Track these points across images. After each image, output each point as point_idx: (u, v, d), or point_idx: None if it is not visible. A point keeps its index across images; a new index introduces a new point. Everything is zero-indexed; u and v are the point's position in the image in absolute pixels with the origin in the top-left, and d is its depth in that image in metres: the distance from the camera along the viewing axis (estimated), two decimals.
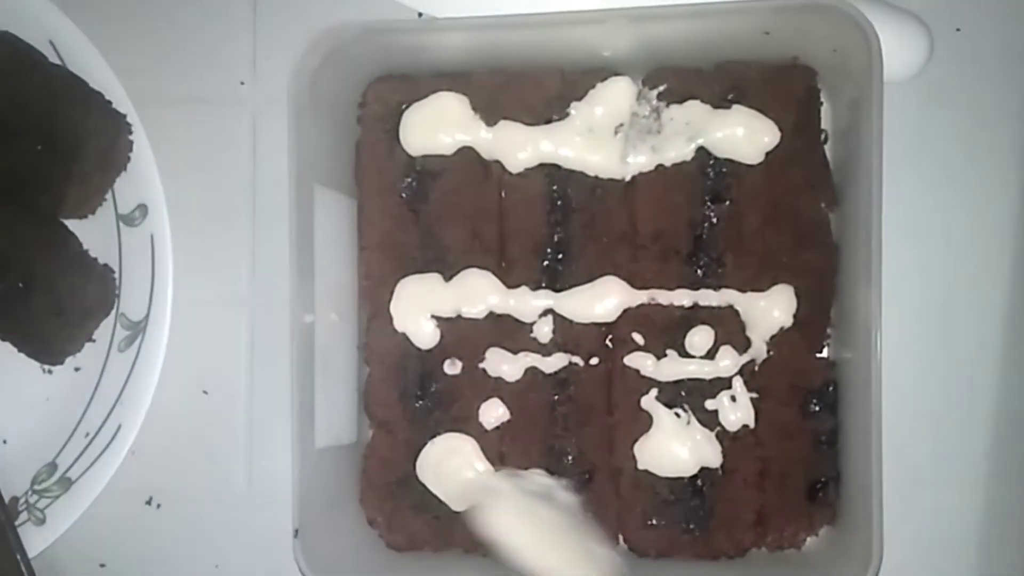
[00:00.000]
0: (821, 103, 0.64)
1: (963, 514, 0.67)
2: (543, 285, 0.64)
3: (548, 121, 0.64)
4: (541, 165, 0.64)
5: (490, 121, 0.64)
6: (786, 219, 0.63)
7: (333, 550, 0.62)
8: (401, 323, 0.65)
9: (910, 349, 0.66)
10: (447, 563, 0.66)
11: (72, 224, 0.72)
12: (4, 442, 0.73)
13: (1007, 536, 0.67)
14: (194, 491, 0.73)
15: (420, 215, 0.65)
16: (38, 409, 0.73)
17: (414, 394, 0.65)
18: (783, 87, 0.63)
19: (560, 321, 0.64)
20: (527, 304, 0.64)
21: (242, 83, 0.73)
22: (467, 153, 0.65)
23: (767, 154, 0.62)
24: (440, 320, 0.65)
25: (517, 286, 0.64)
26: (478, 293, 0.64)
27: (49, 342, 0.71)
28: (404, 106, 0.65)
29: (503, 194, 0.65)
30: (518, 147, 0.64)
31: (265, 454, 0.72)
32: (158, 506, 0.73)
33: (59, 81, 0.70)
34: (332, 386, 0.64)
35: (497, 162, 0.64)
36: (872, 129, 0.57)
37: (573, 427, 0.64)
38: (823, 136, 0.64)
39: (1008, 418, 0.66)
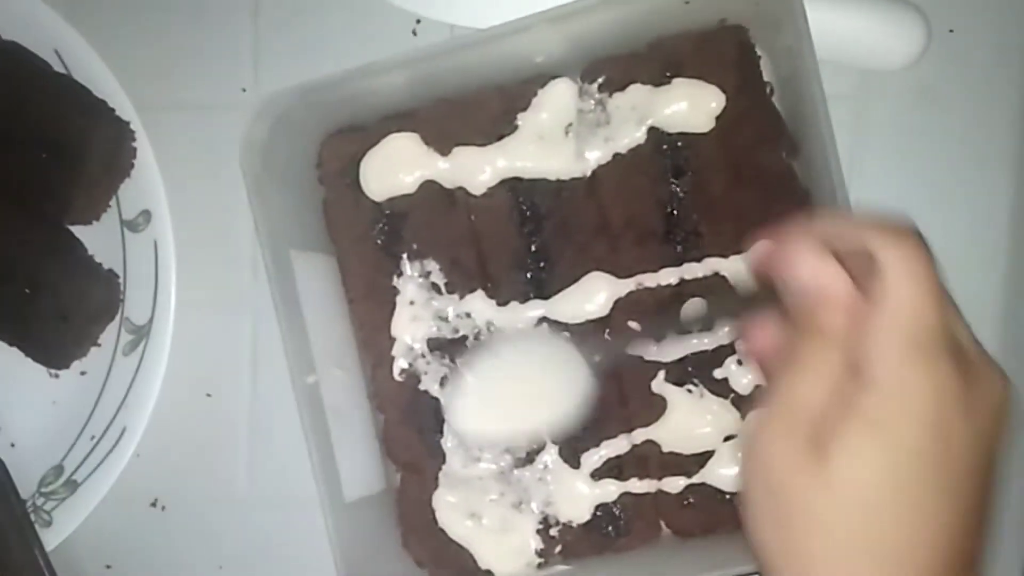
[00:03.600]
0: (759, 56, 0.64)
1: None
2: (531, 296, 0.65)
3: (500, 138, 0.65)
4: (503, 181, 0.65)
5: (444, 151, 0.65)
6: (750, 177, 0.63)
7: None
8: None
9: None
10: None
11: (77, 230, 0.74)
12: (12, 445, 0.75)
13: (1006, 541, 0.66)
14: (198, 493, 0.74)
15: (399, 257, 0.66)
16: (45, 413, 0.75)
17: (432, 429, 0.66)
18: (717, 50, 0.63)
19: (556, 326, 0.64)
20: (520, 317, 0.65)
21: (243, 90, 0.74)
22: (429, 186, 0.66)
23: (717, 119, 0.62)
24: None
25: (506, 303, 0.65)
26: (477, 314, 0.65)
27: (55, 346, 0.73)
28: (359, 156, 0.66)
29: (472, 218, 0.65)
30: (476, 170, 0.65)
31: (268, 457, 0.73)
32: (163, 508, 0.75)
33: (64, 90, 0.72)
34: (350, 439, 0.65)
35: (460, 188, 0.65)
36: (808, 69, 0.57)
37: (592, 427, 0.64)
38: (768, 89, 0.64)
39: None
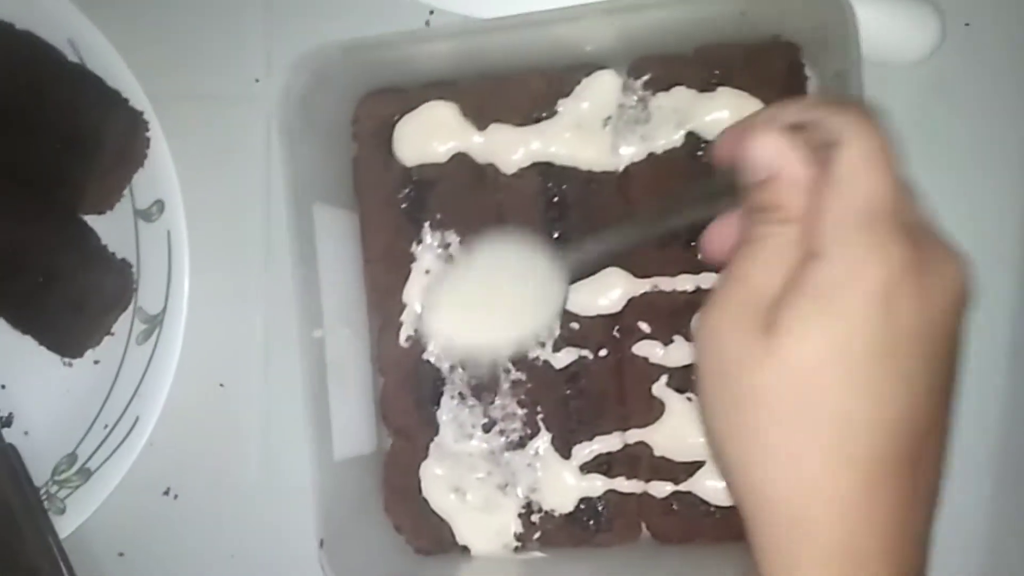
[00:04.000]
0: (807, 78, 0.64)
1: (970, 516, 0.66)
2: None
3: (537, 120, 0.65)
4: (534, 164, 0.65)
5: (481, 126, 0.65)
6: None
7: (360, 558, 0.63)
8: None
9: None
10: (477, 565, 0.66)
11: (91, 219, 0.74)
12: (25, 433, 0.76)
13: (1014, 540, 0.66)
14: (211, 482, 0.75)
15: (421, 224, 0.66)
16: (58, 401, 0.75)
17: (429, 400, 0.66)
18: (766, 65, 0.63)
19: (567, 316, 0.65)
20: None
21: (256, 80, 0.74)
22: (461, 159, 0.65)
23: None
24: None
25: None
26: None
27: (69, 335, 0.73)
28: (396, 118, 0.66)
29: (499, 196, 0.65)
30: (510, 149, 0.65)
31: (280, 446, 0.74)
32: (175, 497, 0.75)
33: (78, 80, 0.72)
34: (348, 398, 0.65)
35: (491, 165, 0.65)
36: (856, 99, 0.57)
37: (588, 420, 0.65)
38: None
39: (1016, 415, 0.65)
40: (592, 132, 0.64)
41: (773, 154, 0.42)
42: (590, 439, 0.65)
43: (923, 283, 0.39)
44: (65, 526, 0.73)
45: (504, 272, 0.58)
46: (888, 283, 0.38)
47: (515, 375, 0.65)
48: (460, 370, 0.66)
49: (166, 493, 0.75)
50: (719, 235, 0.48)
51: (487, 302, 0.58)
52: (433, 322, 0.59)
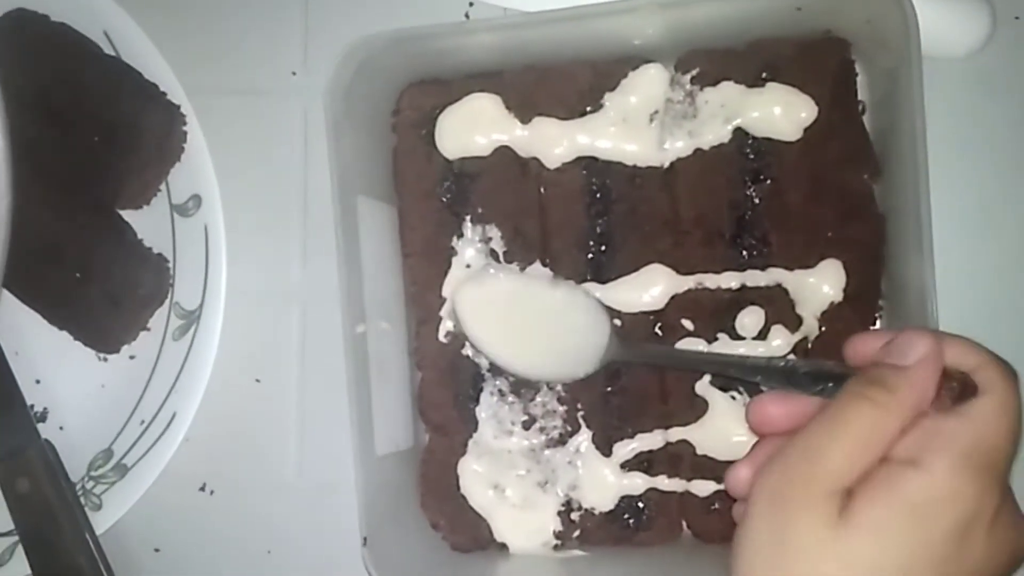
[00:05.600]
0: (856, 74, 0.63)
1: None
2: (588, 278, 0.64)
3: (582, 114, 0.64)
4: (579, 158, 0.64)
5: (524, 119, 0.64)
6: (829, 193, 0.62)
7: (400, 556, 0.63)
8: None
9: (965, 321, 0.64)
10: (515, 562, 0.66)
11: (127, 214, 0.73)
12: (61, 428, 0.75)
13: None
14: (247, 478, 0.74)
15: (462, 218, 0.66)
16: (94, 396, 0.74)
17: (468, 396, 0.66)
18: (817, 61, 0.62)
19: (610, 312, 0.64)
20: None
21: (294, 74, 0.73)
22: (504, 152, 0.65)
23: (805, 130, 0.62)
24: None
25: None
26: None
27: (105, 331, 0.73)
28: (438, 110, 0.65)
29: (542, 190, 0.65)
30: (554, 142, 0.64)
31: (317, 442, 0.73)
32: (211, 492, 0.74)
33: (115, 72, 0.71)
34: (387, 393, 0.65)
35: (534, 159, 0.65)
36: (913, 97, 0.56)
37: (629, 417, 0.64)
38: (861, 107, 0.63)
39: None
40: (638, 127, 0.63)
41: (927, 359, 0.44)
42: (631, 437, 0.64)
43: (996, 534, 0.42)
44: (101, 522, 0.73)
45: (552, 312, 0.62)
46: (975, 519, 0.41)
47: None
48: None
49: (202, 489, 0.74)
50: (775, 407, 0.50)
51: (531, 332, 0.62)
52: (466, 312, 0.61)
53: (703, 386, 0.63)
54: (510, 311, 0.63)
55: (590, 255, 0.64)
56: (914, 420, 0.43)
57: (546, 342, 0.63)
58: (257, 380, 0.74)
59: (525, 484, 0.65)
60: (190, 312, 0.72)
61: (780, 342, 0.62)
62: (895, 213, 0.61)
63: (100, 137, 0.69)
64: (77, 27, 0.71)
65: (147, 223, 0.73)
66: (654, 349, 0.63)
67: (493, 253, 0.65)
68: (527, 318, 0.63)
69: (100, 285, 0.70)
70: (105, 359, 0.74)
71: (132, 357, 0.74)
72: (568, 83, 0.64)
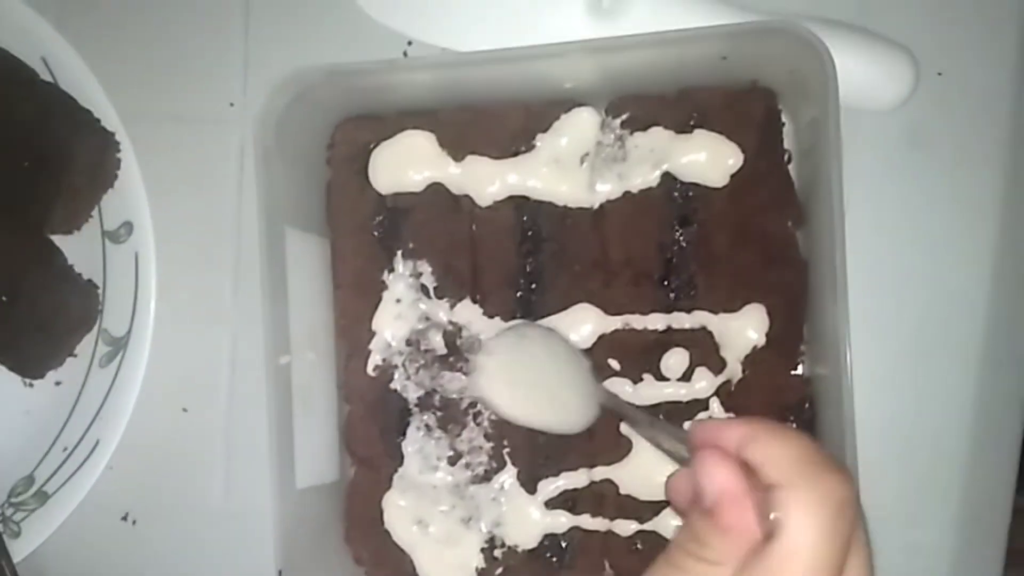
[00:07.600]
0: (783, 123, 0.65)
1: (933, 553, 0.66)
2: (518, 315, 0.65)
3: (515, 154, 0.65)
4: (510, 197, 0.65)
5: (458, 157, 0.65)
6: (754, 239, 0.63)
7: None
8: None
9: (884, 367, 0.66)
10: None
11: (58, 239, 0.73)
12: None
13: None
14: (170, 508, 0.73)
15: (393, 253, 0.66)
16: (17, 422, 0.74)
17: (395, 430, 0.66)
18: (744, 110, 0.63)
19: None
20: None
21: (231, 104, 0.73)
22: (437, 189, 0.65)
23: (732, 176, 0.63)
24: None
25: (492, 317, 0.65)
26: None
27: (31, 356, 0.72)
28: (372, 145, 0.66)
29: (474, 227, 0.65)
30: (486, 181, 0.65)
31: (243, 473, 0.72)
32: (133, 522, 0.73)
33: (50, 98, 0.71)
34: (312, 426, 0.65)
35: (467, 196, 0.65)
36: (830, 147, 0.57)
37: (555, 455, 0.64)
38: (786, 156, 0.65)
39: (982, 440, 0.66)
40: (569, 168, 0.64)
41: (723, 493, 0.41)
42: (556, 475, 0.64)
43: None
44: (20, 550, 0.71)
45: (548, 357, 0.62)
46: None
47: (483, 408, 0.65)
48: (427, 401, 0.65)
49: (124, 518, 0.73)
50: (681, 486, 0.47)
51: (534, 380, 0.61)
52: (489, 388, 0.61)
53: (628, 427, 0.64)
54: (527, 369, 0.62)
55: (520, 293, 0.65)
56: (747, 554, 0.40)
57: (547, 396, 0.62)
58: (184, 409, 0.73)
59: (449, 520, 0.65)
60: (118, 339, 0.72)
61: (704, 384, 0.63)
62: (816, 260, 0.62)
63: (32, 162, 0.69)
64: (15, 52, 0.71)
65: (78, 249, 0.72)
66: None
67: (424, 288, 0.66)
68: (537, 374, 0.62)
69: (28, 309, 0.70)
70: (30, 384, 0.74)
71: (58, 383, 0.73)
72: (501, 123, 0.65)
